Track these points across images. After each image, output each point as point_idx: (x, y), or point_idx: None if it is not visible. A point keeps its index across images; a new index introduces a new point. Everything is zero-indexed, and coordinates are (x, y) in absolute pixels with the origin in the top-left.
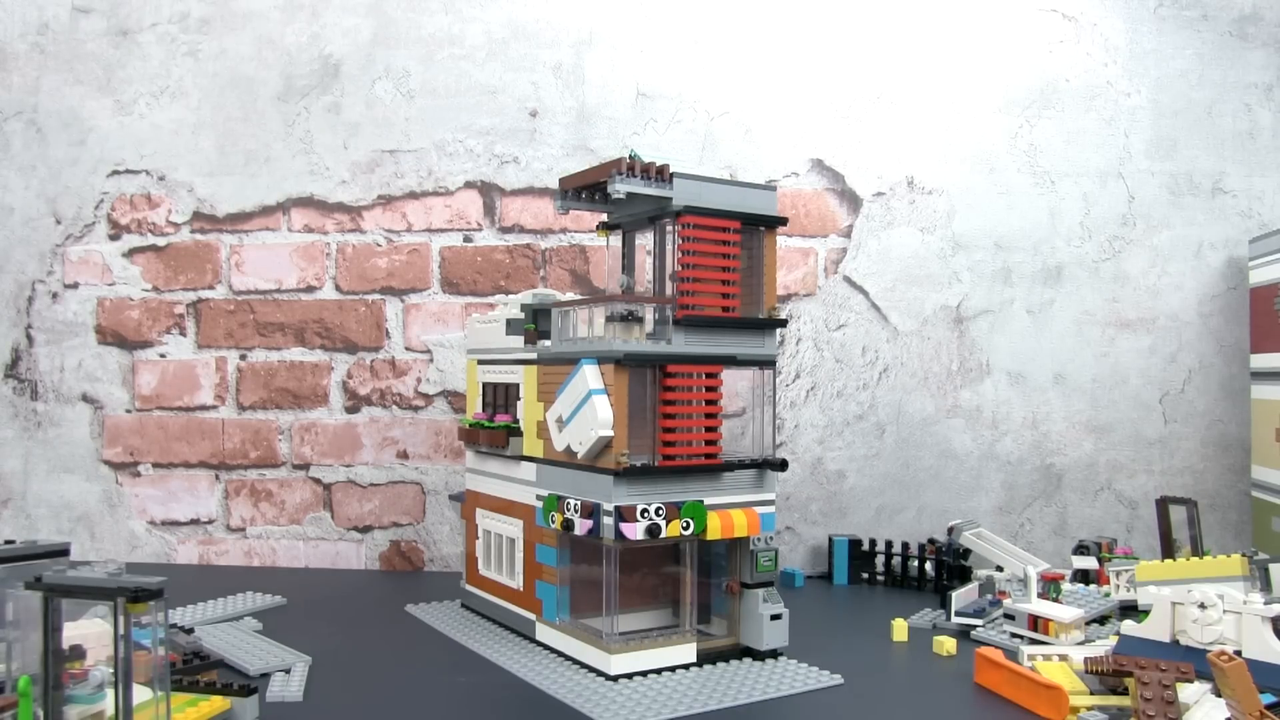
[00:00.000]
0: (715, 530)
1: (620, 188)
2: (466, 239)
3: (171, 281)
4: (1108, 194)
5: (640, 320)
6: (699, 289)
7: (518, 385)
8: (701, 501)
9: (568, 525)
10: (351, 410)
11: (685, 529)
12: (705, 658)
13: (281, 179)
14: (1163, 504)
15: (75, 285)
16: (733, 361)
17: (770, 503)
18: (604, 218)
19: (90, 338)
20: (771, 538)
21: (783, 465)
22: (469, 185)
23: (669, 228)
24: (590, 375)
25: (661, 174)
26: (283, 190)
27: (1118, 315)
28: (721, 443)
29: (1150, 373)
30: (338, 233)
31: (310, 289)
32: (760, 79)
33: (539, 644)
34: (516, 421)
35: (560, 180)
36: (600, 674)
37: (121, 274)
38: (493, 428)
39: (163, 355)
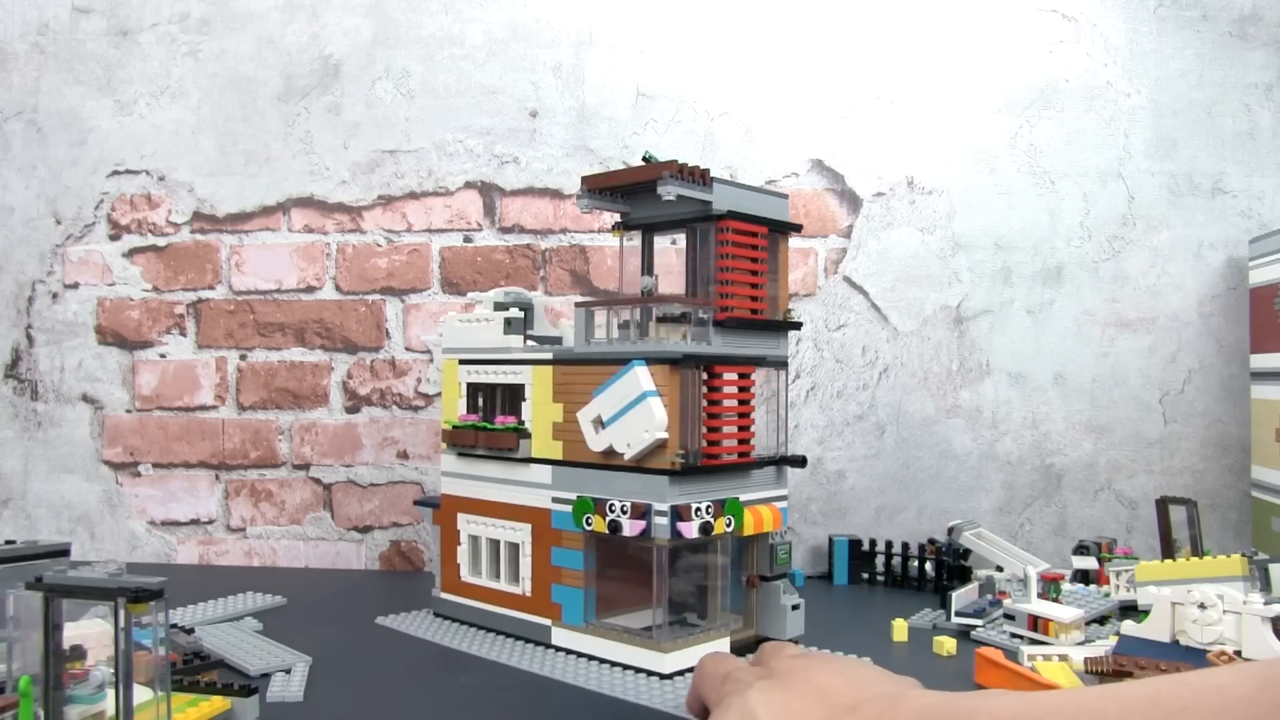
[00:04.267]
0: (749, 525)
1: (671, 190)
2: (466, 239)
3: (171, 281)
4: (1108, 194)
5: (688, 321)
6: (735, 291)
7: (520, 386)
8: (739, 498)
9: (614, 527)
10: (351, 410)
11: (728, 526)
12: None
13: (281, 179)
14: (1163, 504)
15: (75, 285)
16: (762, 362)
17: (785, 498)
18: (617, 217)
19: (90, 338)
20: (785, 532)
21: (802, 462)
22: (469, 185)
23: (702, 231)
24: (642, 376)
25: (703, 178)
26: (283, 190)
27: (1118, 315)
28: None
29: (1150, 373)
30: (338, 233)
31: (310, 289)
32: (760, 79)
33: (556, 648)
34: (522, 423)
35: (585, 179)
36: (647, 673)
37: (121, 274)
38: (497, 430)
39: (163, 355)
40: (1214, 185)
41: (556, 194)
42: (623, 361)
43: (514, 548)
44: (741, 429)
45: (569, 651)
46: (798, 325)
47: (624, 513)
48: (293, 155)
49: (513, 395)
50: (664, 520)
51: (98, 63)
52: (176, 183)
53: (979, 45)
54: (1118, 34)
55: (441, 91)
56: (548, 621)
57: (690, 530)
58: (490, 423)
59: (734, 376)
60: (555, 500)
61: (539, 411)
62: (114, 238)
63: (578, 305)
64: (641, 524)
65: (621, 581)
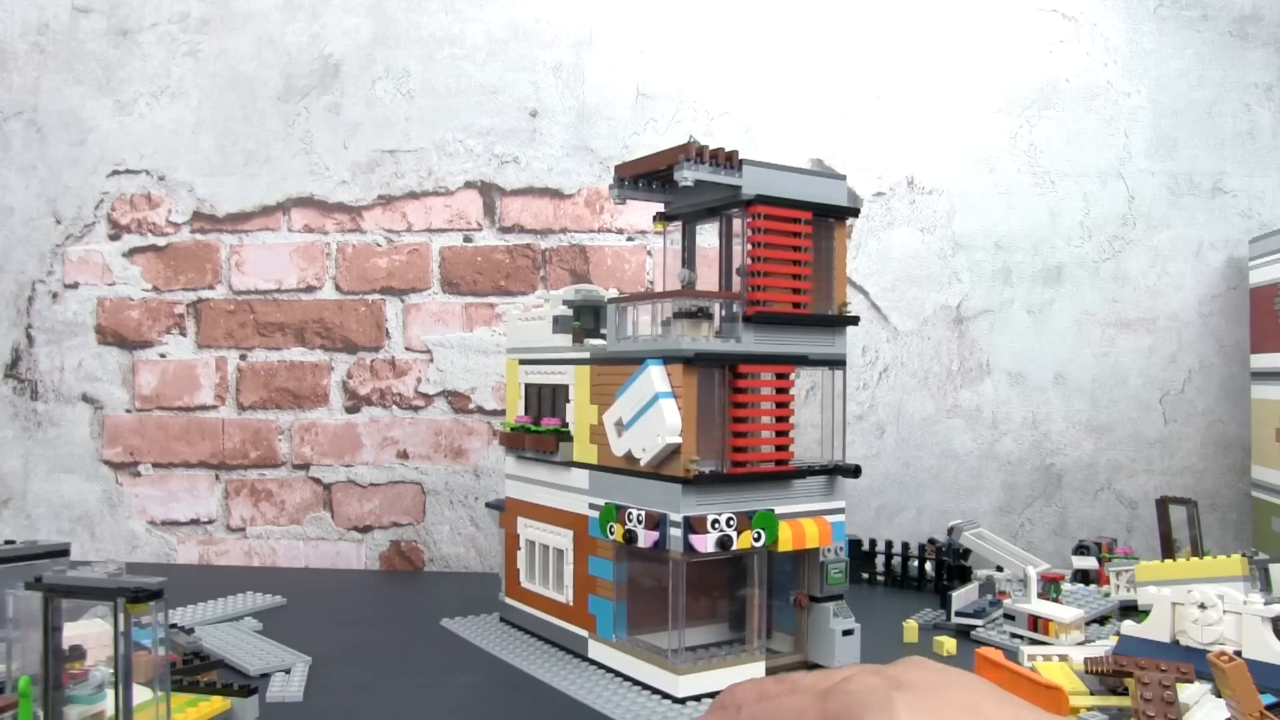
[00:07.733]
0: (786, 541)
1: (687, 174)
2: (466, 239)
3: (171, 281)
4: (1108, 194)
5: (709, 317)
6: (770, 284)
7: (566, 387)
8: (773, 510)
9: (630, 537)
10: (351, 410)
11: (756, 540)
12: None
13: (281, 179)
14: (1163, 504)
15: (75, 285)
16: (804, 361)
17: (841, 510)
18: (660, 207)
19: (90, 338)
20: (841, 548)
21: (856, 471)
22: (469, 185)
23: (737, 218)
24: (656, 377)
25: (730, 160)
26: (283, 190)
27: (1118, 315)
28: (793, 447)
29: (1150, 373)
30: (338, 233)
31: (310, 289)
32: (760, 79)
33: (592, 662)
34: (566, 425)
35: (616, 168)
36: (665, 695)
37: (121, 274)
38: (539, 432)
39: (163, 355)
40: (1214, 185)
41: (556, 194)
42: (639, 361)
43: (559, 554)
44: (779, 434)
45: (602, 666)
46: (853, 320)
47: (639, 522)
48: (293, 155)
49: (559, 397)
50: (678, 532)
51: (98, 63)
52: (176, 182)
53: (979, 45)
54: (1118, 34)
55: (441, 91)
56: (584, 633)
57: (705, 544)
58: (536, 425)
59: (770, 377)
60: (591, 506)
61: (579, 414)
62: (114, 238)
63: (610, 302)
64: (655, 535)
65: (699, 591)
